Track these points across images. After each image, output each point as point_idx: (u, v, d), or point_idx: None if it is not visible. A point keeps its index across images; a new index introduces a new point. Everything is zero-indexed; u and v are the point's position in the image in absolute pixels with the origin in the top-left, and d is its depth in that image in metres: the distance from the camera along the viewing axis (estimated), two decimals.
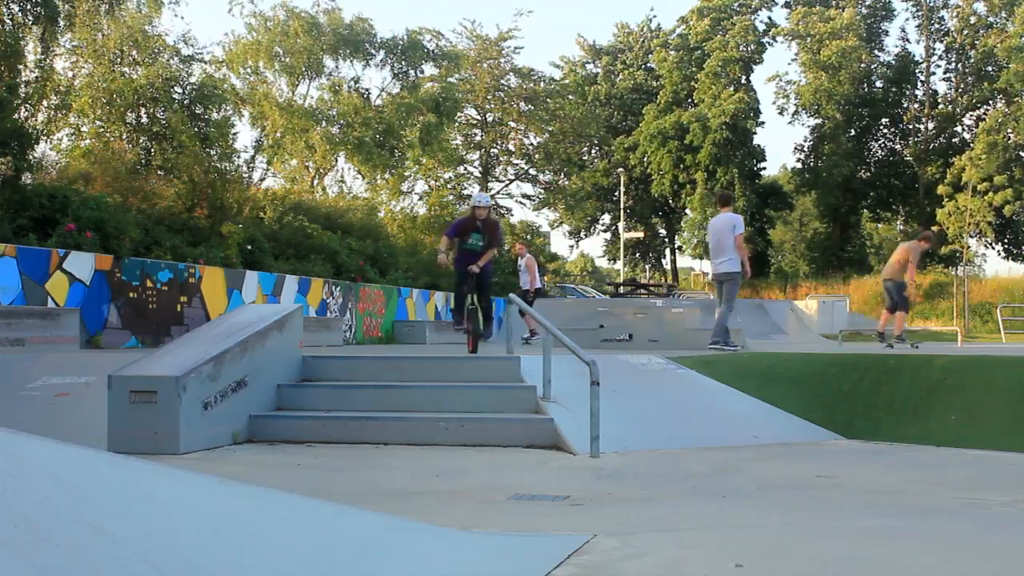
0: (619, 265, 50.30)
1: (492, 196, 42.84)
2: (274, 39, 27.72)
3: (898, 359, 8.39)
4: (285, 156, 28.12)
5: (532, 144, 42.91)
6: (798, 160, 52.98)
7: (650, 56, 54.81)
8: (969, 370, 7.70)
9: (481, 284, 9.60)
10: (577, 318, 14.24)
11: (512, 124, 42.16)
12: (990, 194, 39.21)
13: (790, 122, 73.24)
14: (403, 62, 30.62)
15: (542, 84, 41.78)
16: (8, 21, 14.71)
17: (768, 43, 52.62)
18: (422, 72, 31.76)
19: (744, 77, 51.63)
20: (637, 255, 58.76)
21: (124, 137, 17.64)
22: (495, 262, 13.53)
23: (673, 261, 58.03)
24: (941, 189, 42.23)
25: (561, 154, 42.72)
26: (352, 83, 29.69)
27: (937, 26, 51.08)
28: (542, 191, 45.49)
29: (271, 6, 28.77)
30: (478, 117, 41.98)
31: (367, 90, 30.28)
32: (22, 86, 14.04)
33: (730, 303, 10.64)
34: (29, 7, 15.35)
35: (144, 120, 17.80)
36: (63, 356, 9.30)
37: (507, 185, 44.86)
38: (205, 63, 19.90)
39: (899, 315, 13.05)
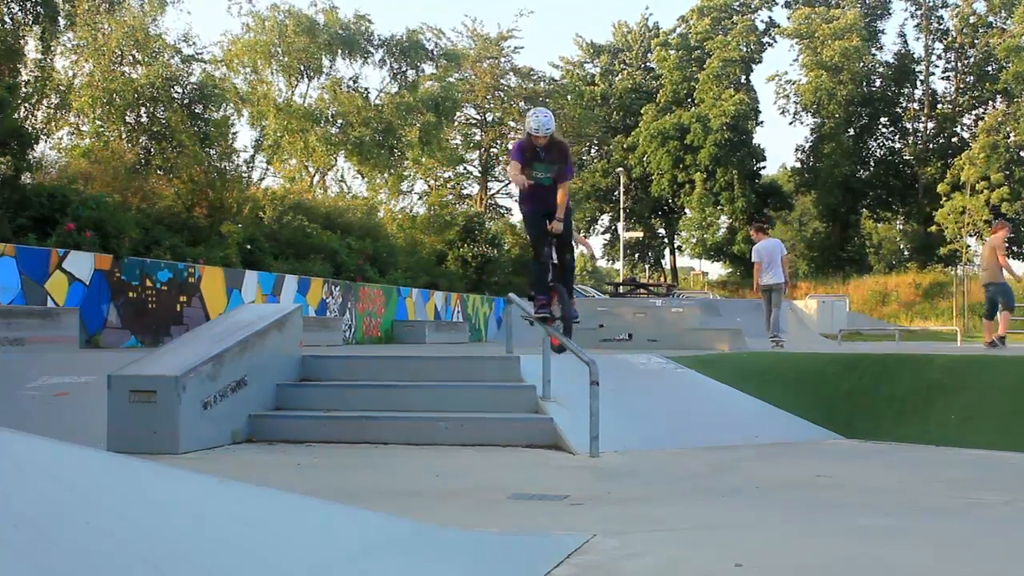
0: (618, 265, 50.32)
1: (491, 197, 42.86)
2: (272, 39, 27.71)
3: (898, 359, 8.39)
4: (284, 156, 28.12)
5: None
6: (798, 160, 53.05)
7: (649, 56, 54.81)
8: (969, 370, 7.70)
9: (561, 242, 7.20)
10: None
11: (512, 124, 42.15)
12: (986, 192, 39.22)
13: (791, 122, 73.25)
14: (402, 61, 30.60)
15: (542, 84, 41.78)
16: (8, 20, 14.71)
17: (769, 43, 52.66)
18: (421, 71, 31.75)
19: (744, 77, 51.66)
20: (636, 255, 58.77)
21: (124, 137, 17.63)
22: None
23: (672, 261, 58.05)
24: (941, 188, 42.24)
25: None
26: (351, 82, 29.70)
27: (937, 25, 51.11)
28: None
29: (268, 5, 28.67)
30: (478, 117, 41.97)
31: (366, 89, 30.30)
32: (22, 86, 14.04)
33: (780, 304, 13.09)
34: (29, 6, 15.34)
35: (144, 120, 17.79)
36: (62, 356, 9.30)
37: (507, 185, 44.85)
38: (205, 63, 19.91)
39: (1004, 315, 12.42)
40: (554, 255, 7.21)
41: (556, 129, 6.98)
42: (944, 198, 41.43)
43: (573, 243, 7.33)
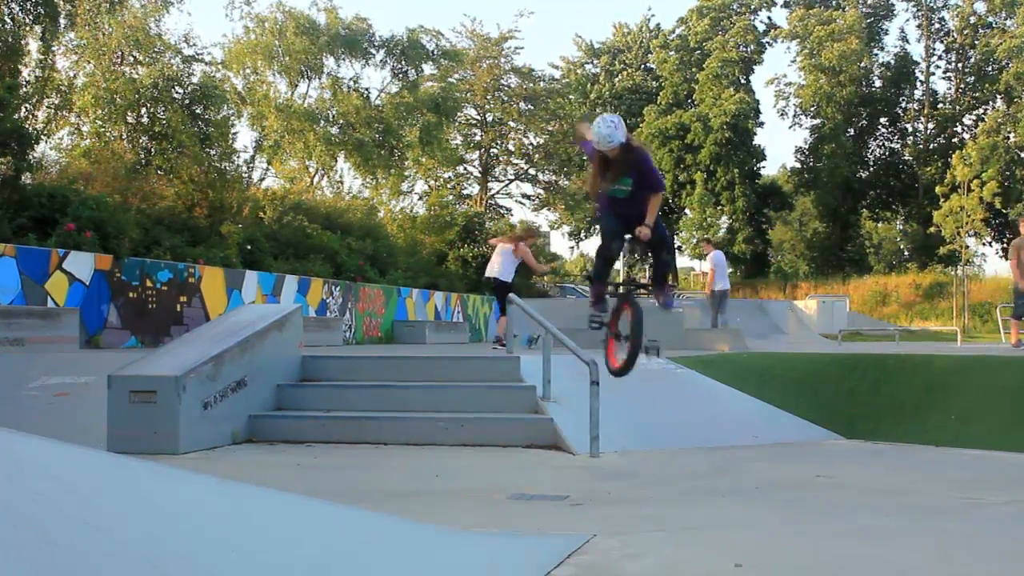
0: (618, 265, 50.24)
1: (491, 197, 42.85)
2: (272, 40, 27.71)
3: (898, 359, 8.40)
4: (284, 156, 28.11)
5: (532, 144, 42.89)
6: (798, 160, 53.04)
7: (649, 56, 54.82)
8: (969, 370, 7.70)
9: (655, 246, 6.15)
10: (577, 318, 14.22)
11: (512, 124, 42.14)
12: (978, 189, 39.24)
13: (791, 126, 73.35)
14: (403, 62, 30.60)
15: (542, 84, 41.77)
16: (9, 20, 14.71)
17: (768, 43, 52.66)
18: (421, 72, 31.75)
19: (744, 77, 51.66)
20: (636, 255, 58.69)
21: (124, 137, 17.64)
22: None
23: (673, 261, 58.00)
24: (939, 189, 42.26)
25: (561, 154, 42.71)
26: (351, 83, 29.70)
27: (937, 26, 51.12)
28: (542, 191, 45.49)
29: (267, 6, 28.65)
30: (478, 117, 41.96)
31: (367, 90, 30.28)
32: (23, 86, 14.04)
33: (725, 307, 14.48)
34: (29, 6, 15.35)
35: (144, 120, 17.80)
36: (63, 356, 9.29)
37: (507, 185, 44.87)
38: (206, 64, 19.91)
39: (1013, 321, 11.94)
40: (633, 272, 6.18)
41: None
42: (942, 199, 41.45)
43: (670, 241, 6.26)
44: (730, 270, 55.24)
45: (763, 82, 72.62)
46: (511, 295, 8.80)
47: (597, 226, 6.39)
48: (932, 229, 42.87)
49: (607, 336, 6.29)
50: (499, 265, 11.31)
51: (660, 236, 6.09)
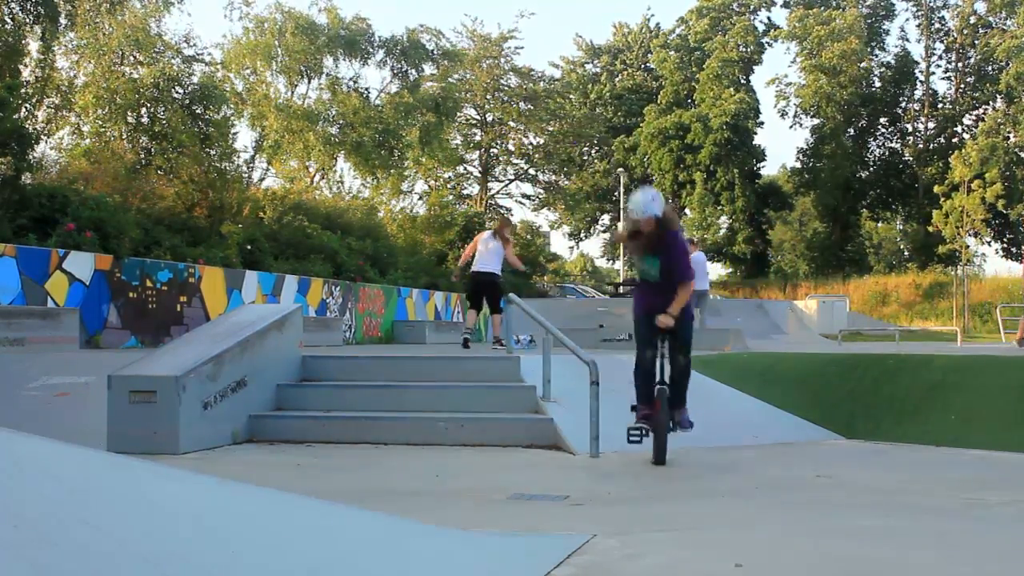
0: (618, 265, 50.32)
1: (491, 197, 42.84)
2: (271, 40, 27.71)
3: (898, 359, 8.40)
4: (284, 156, 28.12)
5: (532, 144, 42.91)
6: (798, 160, 53.06)
7: (649, 56, 54.82)
8: (969, 370, 7.71)
9: (675, 337, 5.92)
10: (577, 318, 14.25)
11: (512, 124, 42.15)
12: (980, 190, 39.23)
13: (791, 126, 73.32)
14: (402, 62, 30.60)
15: (542, 84, 41.78)
16: (9, 20, 14.72)
17: (768, 43, 52.66)
18: (421, 71, 31.76)
19: (744, 77, 51.66)
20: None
21: (125, 137, 17.64)
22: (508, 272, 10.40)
23: None
24: (938, 189, 42.25)
25: (561, 154, 42.73)
26: (351, 83, 29.70)
27: (937, 26, 51.11)
28: (542, 191, 45.51)
29: (266, 7, 28.61)
30: (478, 117, 41.97)
31: (366, 90, 30.29)
32: (23, 86, 14.03)
33: (705, 308, 13.81)
34: (29, 6, 15.34)
35: (145, 120, 17.80)
36: (63, 356, 9.29)
37: (507, 185, 44.89)
38: (206, 64, 19.92)
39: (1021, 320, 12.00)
40: (664, 355, 5.95)
41: (662, 209, 5.70)
42: (942, 198, 41.45)
43: (689, 342, 6.03)
44: (729, 270, 55.43)
45: (763, 82, 72.70)
46: (511, 295, 8.80)
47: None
48: (932, 228, 42.86)
49: (655, 440, 5.96)
50: (493, 261, 11.02)
51: (682, 336, 5.90)
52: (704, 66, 50.11)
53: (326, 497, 3.75)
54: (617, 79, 54.80)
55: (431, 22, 66.95)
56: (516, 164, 44.04)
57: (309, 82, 29.22)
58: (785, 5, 52.07)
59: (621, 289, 28.04)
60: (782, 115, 52.47)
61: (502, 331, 10.77)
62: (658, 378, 5.93)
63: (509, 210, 46.32)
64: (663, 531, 3.77)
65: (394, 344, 18.57)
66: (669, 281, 5.80)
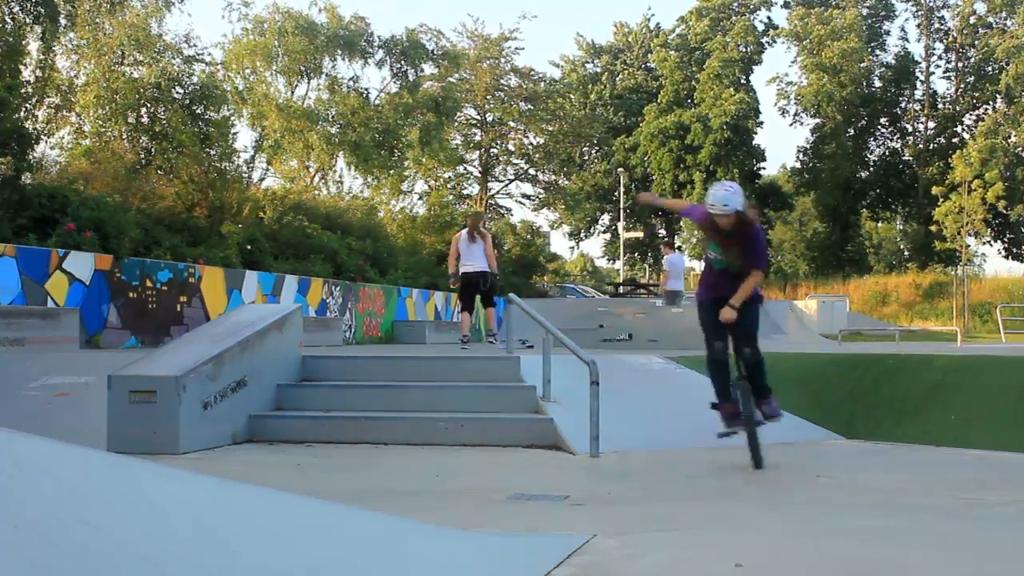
0: (619, 265, 50.31)
1: (491, 197, 42.85)
2: (271, 40, 27.71)
3: (898, 359, 8.40)
4: (284, 156, 28.12)
5: (532, 144, 42.90)
6: (798, 160, 53.07)
7: (649, 56, 54.83)
8: (969, 370, 7.70)
9: (738, 331, 5.74)
10: (577, 318, 14.24)
11: (512, 124, 42.14)
12: (980, 190, 39.23)
13: (792, 123, 73.28)
14: (402, 61, 30.59)
15: (542, 84, 41.76)
16: (9, 20, 14.72)
17: (768, 43, 52.68)
18: (421, 71, 31.75)
19: (744, 77, 51.68)
20: (636, 255, 58.72)
21: (124, 137, 17.64)
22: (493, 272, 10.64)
23: None
24: (936, 189, 42.26)
25: (561, 154, 42.72)
26: (351, 83, 29.70)
27: (937, 26, 51.12)
28: (542, 191, 45.51)
29: (264, 7, 28.61)
30: (478, 117, 41.95)
31: (366, 90, 30.29)
32: (23, 86, 14.03)
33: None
34: (29, 6, 15.35)
35: (145, 120, 17.80)
36: (63, 356, 9.29)
37: (507, 185, 44.86)
38: (206, 64, 19.91)
39: None
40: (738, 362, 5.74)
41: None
42: (941, 199, 41.45)
43: (756, 334, 5.81)
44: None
45: (764, 81, 72.63)
46: (511, 295, 8.79)
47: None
48: (933, 227, 42.84)
49: (748, 437, 5.79)
50: (478, 259, 10.88)
51: (745, 327, 5.68)
52: (704, 66, 50.13)
53: (326, 497, 3.75)
54: (618, 78, 54.79)
55: (431, 22, 66.99)
56: (516, 164, 44.02)
57: (309, 82, 29.23)
58: (785, 6, 52.09)
59: (621, 289, 28.02)
60: (782, 113, 52.52)
61: (501, 331, 10.75)
62: (733, 374, 5.73)
63: (509, 210, 46.34)
64: (663, 531, 3.77)
65: (394, 344, 18.57)
66: (738, 272, 5.63)
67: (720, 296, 5.67)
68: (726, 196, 5.51)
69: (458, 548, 3.18)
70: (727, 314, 5.56)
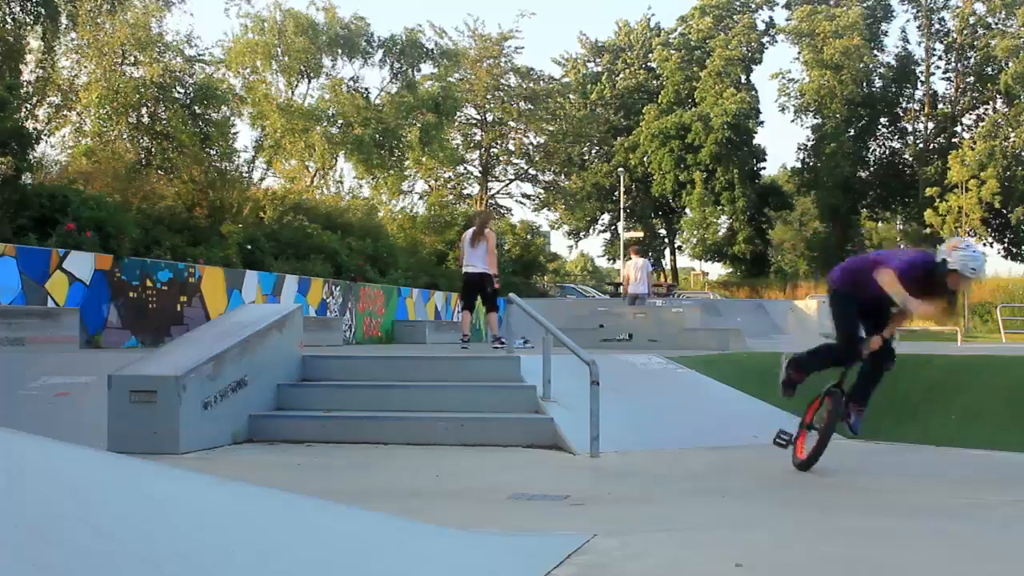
0: (619, 265, 50.30)
1: (491, 197, 42.83)
2: (271, 40, 27.70)
3: (898, 359, 8.38)
4: (285, 156, 28.12)
5: (532, 144, 42.89)
6: (799, 160, 53.07)
7: (651, 55, 54.81)
8: (969, 370, 7.70)
9: (884, 356, 5.72)
10: (577, 318, 14.25)
11: (512, 124, 42.13)
12: (976, 189, 39.23)
13: (793, 120, 73.23)
14: (402, 61, 30.59)
15: (542, 84, 41.76)
16: (9, 20, 14.71)
17: (769, 42, 52.70)
18: (419, 71, 31.74)
19: (745, 77, 51.69)
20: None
21: (125, 136, 17.63)
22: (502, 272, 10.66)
23: (673, 261, 58.00)
24: (930, 191, 42.28)
25: (561, 154, 42.72)
26: (351, 82, 29.69)
27: (937, 26, 51.12)
28: (542, 191, 45.50)
29: (266, 5, 28.61)
30: (478, 117, 41.95)
31: (366, 89, 30.27)
32: (23, 85, 14.03)
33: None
34: (30, 6, 15.34)
35: (145, 120, 17.80)
36: (63, 356, 9.29)
37: (507, 185, 44.86)
38: (206, 64, 19.90)
39: None
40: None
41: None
42: (938, 199, 41.43)
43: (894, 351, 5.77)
44: (729, 270, 55.46)
45: (767, 76, 72.57)
46: (512, 295, 8.80)
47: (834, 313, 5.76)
48: (929, 230, 42.86)
49: (800, 427, 5.81)
50: (480, 260, 10.82)
51: (890, 346, 5.64)
52: (705, 65, 50.14)
53: (326, 497, 3.75)
54: (619, 78, 54.77)
55: (432, 21, 66.91)
56: (516, 164, 44.01)
57: (309, 82, 29.23)
58: (787, 6, 52.10)
59: (620, 289, 28.05)
60: (782, 110, 52.51)
61: (501, 330, 10.74)
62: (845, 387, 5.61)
63: (509, 210, 46.34)
64: (663, 531, 3.77)
65: (394, 344, 18.57)
66: (902, 308, 5.35)
67: (869, 319, 5.57)
68: (980, 267, 5.21)
69: (458, 548, 3.18)
70: (876, 342, 5.54)
